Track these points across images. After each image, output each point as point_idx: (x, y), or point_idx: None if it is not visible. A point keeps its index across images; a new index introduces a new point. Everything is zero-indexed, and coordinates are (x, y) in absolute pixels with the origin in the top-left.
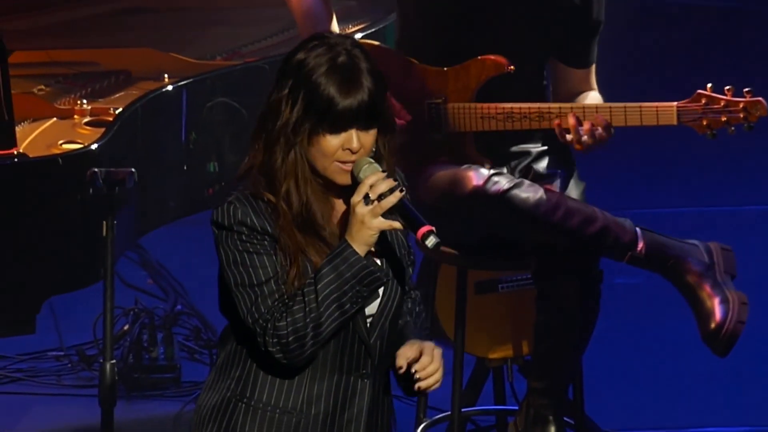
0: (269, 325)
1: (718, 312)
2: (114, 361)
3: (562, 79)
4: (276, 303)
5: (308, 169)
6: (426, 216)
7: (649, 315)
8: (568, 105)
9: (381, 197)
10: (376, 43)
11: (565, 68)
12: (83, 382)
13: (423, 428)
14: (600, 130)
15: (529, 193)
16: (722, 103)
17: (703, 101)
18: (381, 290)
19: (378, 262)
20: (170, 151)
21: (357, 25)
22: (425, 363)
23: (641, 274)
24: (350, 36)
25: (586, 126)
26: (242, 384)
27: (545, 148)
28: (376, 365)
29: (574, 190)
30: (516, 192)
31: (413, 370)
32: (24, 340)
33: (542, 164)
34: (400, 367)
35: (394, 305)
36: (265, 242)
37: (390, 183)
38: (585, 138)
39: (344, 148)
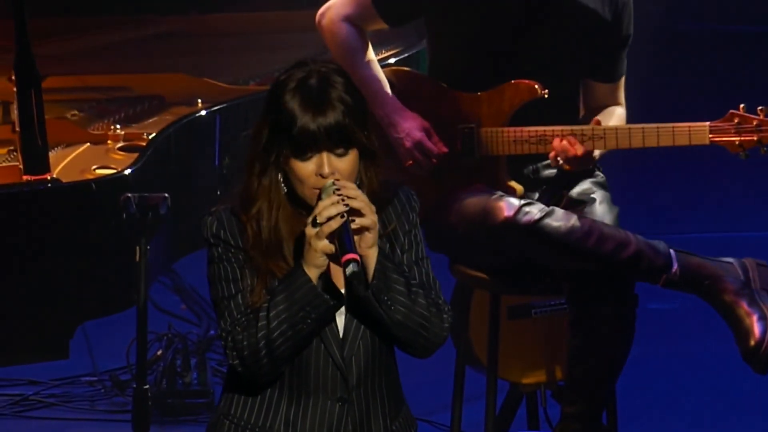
0: (230, 338)
1: (756, 329)
2: (147, 386)
3: (588, 93)
4: (240, 317)
5: (282, 194)
6: (458, 243)
7: (684, 340)
8: (601, 127)
9: (328, 221)
10: (408, 69)
11: (591, 82)
12: (117, 407)
13: None
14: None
15: (561, 221)
16: (755, 123)
17: (736, 120)
18: (344, 309)
19: (350, 281)
20: (204, 176)
21: (390, 51)
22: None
23: (675, 299)
24: (335, 62)
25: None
26: (228, 402)
27: (575, 174)
28: (354, 387)
29: (608, 215)
30: (548, 221)
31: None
32: (57, 366)
33: (575, 190)
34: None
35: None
36: (240, 256)
37: (339, 208)
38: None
39: (317, 173)
